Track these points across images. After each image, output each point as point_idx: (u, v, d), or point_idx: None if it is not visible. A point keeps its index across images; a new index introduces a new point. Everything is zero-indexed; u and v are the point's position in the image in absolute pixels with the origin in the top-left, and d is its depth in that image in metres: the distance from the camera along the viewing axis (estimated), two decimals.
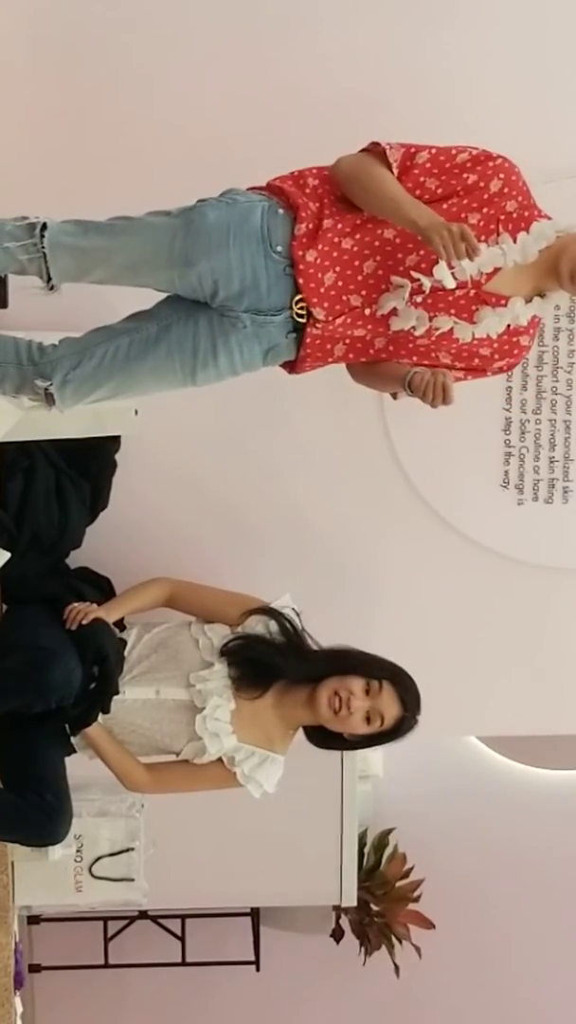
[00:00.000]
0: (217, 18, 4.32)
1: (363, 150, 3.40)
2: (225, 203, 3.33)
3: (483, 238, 3.32)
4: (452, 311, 3.38)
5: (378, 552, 4.62)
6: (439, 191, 3.31)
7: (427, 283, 3.30)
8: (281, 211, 3.32)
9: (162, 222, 3.33)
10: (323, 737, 3.97)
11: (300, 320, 3.35)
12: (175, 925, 5.94)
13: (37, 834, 3.89)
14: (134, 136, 4.34)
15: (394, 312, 3.37)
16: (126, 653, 3.97)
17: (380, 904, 5.97)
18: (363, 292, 3.34)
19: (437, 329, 3.39)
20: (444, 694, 4.26)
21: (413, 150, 3.34)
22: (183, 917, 5.93)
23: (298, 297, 3.33)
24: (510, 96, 4.38)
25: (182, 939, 5.95)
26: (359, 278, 3.33)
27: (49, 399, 3.47)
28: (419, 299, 3.35)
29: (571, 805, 6.47)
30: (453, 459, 4.57)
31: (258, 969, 6.00)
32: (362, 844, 5.85)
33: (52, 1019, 6.31)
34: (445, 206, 3.30)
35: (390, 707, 3.85)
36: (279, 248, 3.30)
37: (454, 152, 3.34)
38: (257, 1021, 6.51)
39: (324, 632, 3.96)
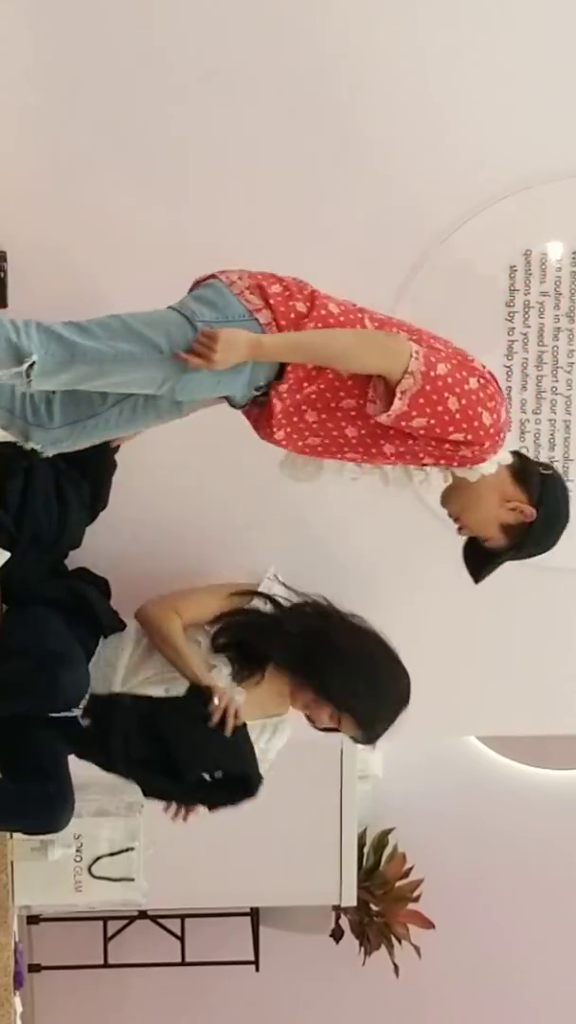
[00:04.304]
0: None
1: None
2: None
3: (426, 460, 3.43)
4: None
5: (378, 552, 4.62)
6: (418, 442, 3.35)
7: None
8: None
9: (153, 361, 3.24)
10: None
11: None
12: (175, 925, 5.94)
13: (39, 823, 3.89)
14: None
15: None
16: (129, 651, 4.01)
17: (380, 904, 5.97)
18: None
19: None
20: (444, 694, 4.26)
21: (413, 414, 3.28)
22: (183, 917, 5.93)
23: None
24: (510, 96, 4.38)
25: (182, 939, 5.94)
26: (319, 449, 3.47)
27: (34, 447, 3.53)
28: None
29: (571, 805, 6.47)
30: None
31: (257, 969, 6.00)
32: (362, 844, 5.85)
33: (52, 1019, 6.31)
34: (411, 442, 3.35)
35: (351, 731, 4.00)
36: (260, 384, 3.32)
37: (451, 429, 3.30)
38: (257, 1021, 6.51)
39: None
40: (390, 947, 6.01)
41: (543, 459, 4.60)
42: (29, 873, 4.29)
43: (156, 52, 4.33)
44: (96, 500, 4.42)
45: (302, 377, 3.25)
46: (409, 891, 6.00)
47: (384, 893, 5.97)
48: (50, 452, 3.51)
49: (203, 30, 4.31)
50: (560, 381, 4.55)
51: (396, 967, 6.03)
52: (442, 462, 3.38)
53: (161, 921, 5.92)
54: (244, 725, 3.84)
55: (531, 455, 4.58)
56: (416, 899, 5.99)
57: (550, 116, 4.40)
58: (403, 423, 3.25)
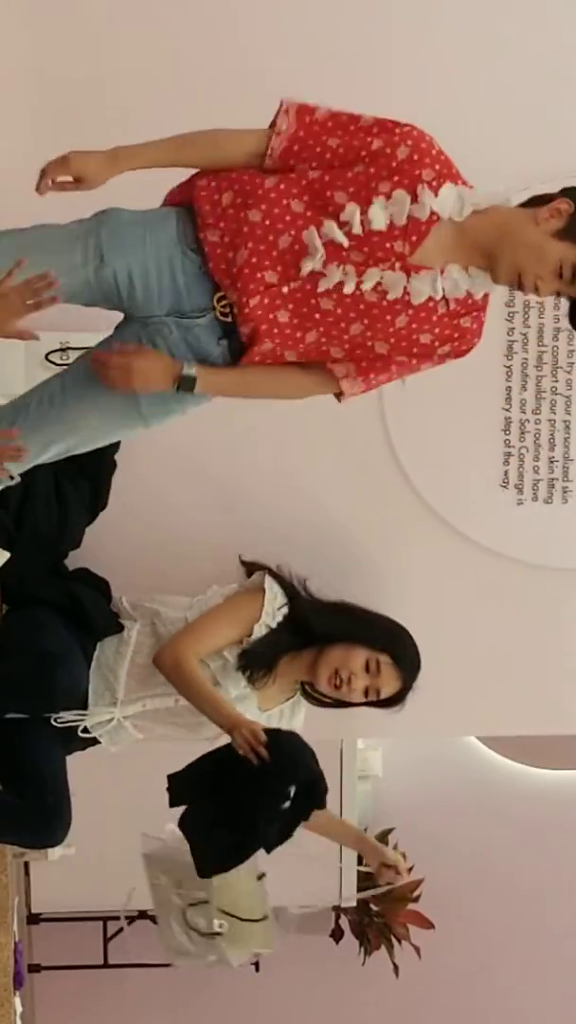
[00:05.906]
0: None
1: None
2: (140, 210, 3.21)
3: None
4: (381, 266, 3.09)
5: (378, 552, 4.62)
6: (341, 151, 3.08)
7: (344, 240, 3.06)
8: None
9: (75, 225, 3.22)
10: (320, 697, 4.10)
11: (226, 319, 3.15)
12: None
13: (36, 836, 3.89)
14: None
15: (320, 275, 3.09)
16: (129, 657, 4.01)
17: (380, 904, 5.97)
18: (279, 268, 3.11)
19: (364, 285, 3.08)
20: (444, 694, 4.26)
21: (312, 105, 3.11)
22: None
23: (219, 295, 3.13)
24: (510, 97, 4.38)
25: None
26: (273, 254, 3.11)
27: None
28: (345, 255, 3.08)
29: (571, 805, 6.47)
30: (453, 459, 4.57)
31: (258, 969, 5.99)
32: None
33: (52, 1019, 6.31)
34: (351, 174, 3.08)
35: (389, 684, 4.02)
36: (195, 247, 3.14)
37: (357, 114, 3.11)
38: (257, 1021, 6.51)
39: None
40: (390, 947, 6.00)
41: (543, 459, 4.61)
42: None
43: (158, 50, 4.33)
44: (96, 500, 4.42)
45: (213, 192, 3.15)
46: (409, 891, 6.00)
47: (384, 893, 5.97)
48: (12, 469, 3.22)
49: (204, 31, 4.32)
50: (560, 381, 4.56)
51: (396, 967, 6.03)
52: (402, 187, 3.06)
53: None
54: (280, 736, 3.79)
55: (531, 455, 4.60)
56: (416, 899, 5.99)
57: (550, 116, 4.40)
58: (307, 119, 3.09)
